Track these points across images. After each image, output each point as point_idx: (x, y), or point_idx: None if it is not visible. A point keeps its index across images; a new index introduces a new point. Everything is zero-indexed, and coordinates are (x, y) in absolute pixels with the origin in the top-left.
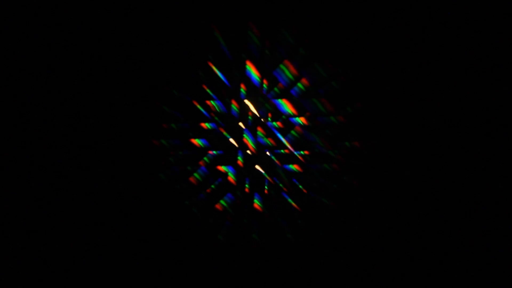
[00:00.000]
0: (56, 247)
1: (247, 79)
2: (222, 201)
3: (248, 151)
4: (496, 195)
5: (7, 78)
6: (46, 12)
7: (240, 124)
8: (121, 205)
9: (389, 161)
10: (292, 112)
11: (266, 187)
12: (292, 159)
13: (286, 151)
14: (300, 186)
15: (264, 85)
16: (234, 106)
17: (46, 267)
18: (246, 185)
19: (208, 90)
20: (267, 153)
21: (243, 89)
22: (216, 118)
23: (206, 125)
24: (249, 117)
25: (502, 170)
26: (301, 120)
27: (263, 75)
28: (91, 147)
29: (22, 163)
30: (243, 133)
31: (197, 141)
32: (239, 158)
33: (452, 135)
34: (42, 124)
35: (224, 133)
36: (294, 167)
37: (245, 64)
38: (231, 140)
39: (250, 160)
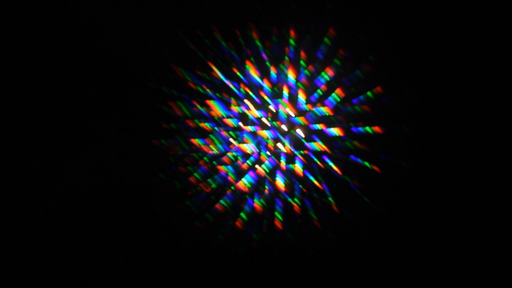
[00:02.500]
0: (56, 248)
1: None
2: (222, 201)
3: (249, 151)
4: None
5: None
6: (45, 13)
7: (241, 124)
8: (121, 205)
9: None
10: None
11: (266, 186)
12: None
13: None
14: (299, 186)
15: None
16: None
17: (47, 267)
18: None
19: (208, 90)
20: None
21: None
22: (216, 118)
23: (206, 125)
24: (250, 117)
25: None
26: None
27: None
28: (91, 148)
29: (22, 164)
30: (244, 134)
31: (197, 141)
32: (239, 157)
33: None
34: (44, 125)
35: (224, 133)
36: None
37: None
38: (231, 140)
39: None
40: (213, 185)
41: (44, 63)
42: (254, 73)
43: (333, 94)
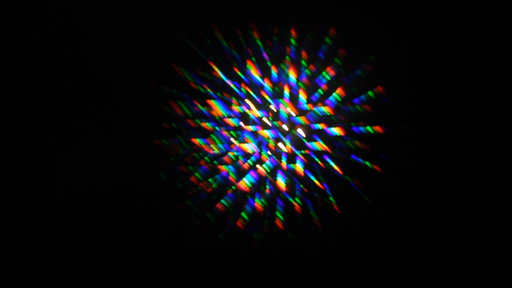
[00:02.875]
0: (57, 248)
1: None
2: (223, 201)
3: (250, 151)
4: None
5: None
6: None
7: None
8: (122, 205)
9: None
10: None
11: (267, 186)
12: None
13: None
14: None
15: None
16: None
17: (48, 267)
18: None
19: (209, 90)
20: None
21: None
22: (217, 118)
23: (207, 124)
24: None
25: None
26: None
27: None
28: (92, 147)
29: (24, 164)
30: (244, 133)
31: (198, 141)
32: (240, 157)
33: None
34: (45, 125)
35: (225, 132)
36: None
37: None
38: (232, 139)
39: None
40: (214, 185)
41: (45, 63)
42: (255, 73)
43: (334, 94)
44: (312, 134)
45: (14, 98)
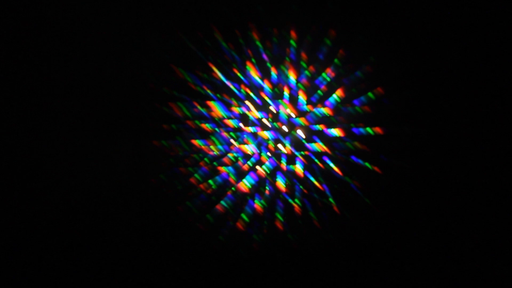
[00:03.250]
0: (57, 248)
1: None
2: (223, 202)
3: (249, 152)
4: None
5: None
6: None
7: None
8: (122, 206)
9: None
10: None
11: (267, 187)
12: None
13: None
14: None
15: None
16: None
17: (48, 267)
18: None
19: (208, 91)
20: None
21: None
22: (217, 119)
23: (206, 125)
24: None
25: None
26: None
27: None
28: (92, 148)
29: (23, 164)
30: (244, 134)
31: (197, 142)
32: (240, 158)
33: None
34: (45, 125)
35: (225, 133)
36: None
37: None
38: (232, 141)
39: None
40: (214, 186)
41: (45, 63)
42: (254, 74)
43: (334, 95)
44: (312, 135)
45: (13, 99)
